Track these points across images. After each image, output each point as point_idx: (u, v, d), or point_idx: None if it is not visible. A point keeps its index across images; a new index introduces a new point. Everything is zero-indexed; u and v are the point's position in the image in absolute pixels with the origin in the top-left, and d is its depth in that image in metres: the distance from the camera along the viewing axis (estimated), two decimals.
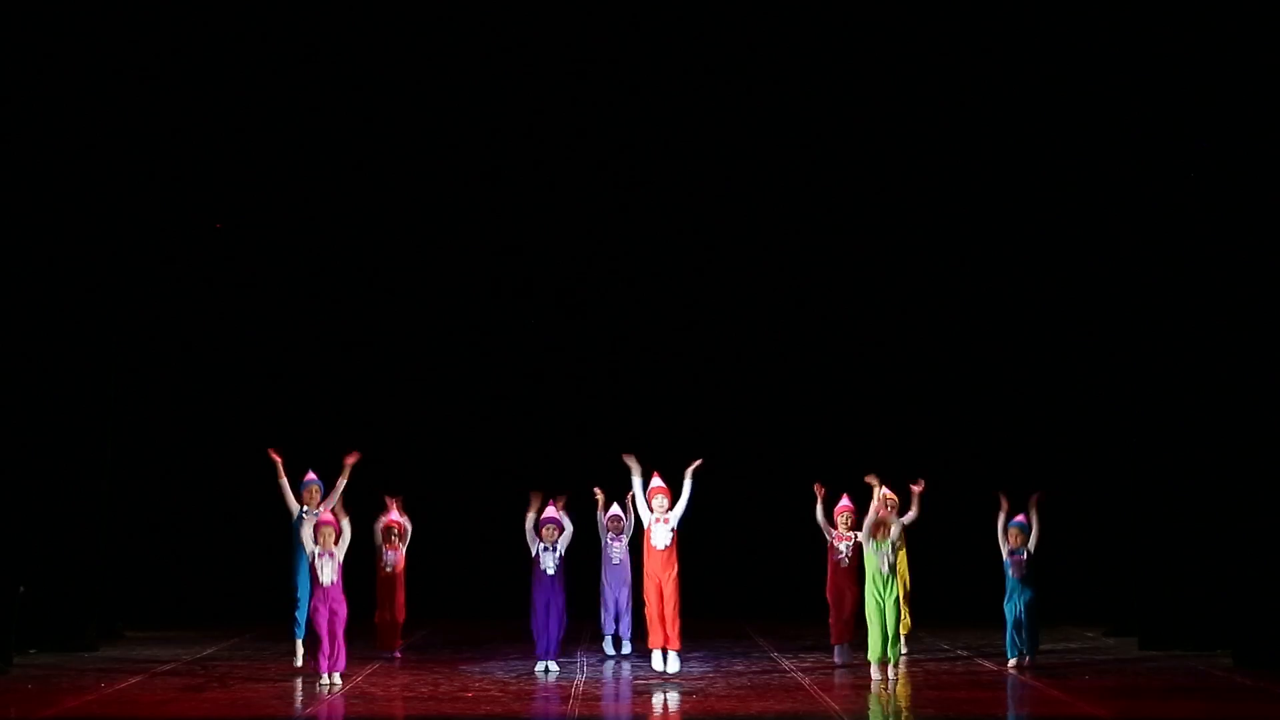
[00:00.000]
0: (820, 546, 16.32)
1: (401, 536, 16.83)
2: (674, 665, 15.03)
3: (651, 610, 15.05)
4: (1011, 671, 15.49)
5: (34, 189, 16.91)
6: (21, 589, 16.19)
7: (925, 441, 20.78)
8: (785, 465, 20.64)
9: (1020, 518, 15.91)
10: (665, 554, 14.95)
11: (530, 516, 15.57)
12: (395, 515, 16.84)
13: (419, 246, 20.76)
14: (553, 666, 15.50)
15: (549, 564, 15.53)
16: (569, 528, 15.64)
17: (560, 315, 21.11)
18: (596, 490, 16.43)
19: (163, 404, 19.97)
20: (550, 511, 15.66)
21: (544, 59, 19.71)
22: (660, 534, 14.98)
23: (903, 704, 13.80)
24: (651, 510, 15.03)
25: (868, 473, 15.49)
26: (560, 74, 19.84)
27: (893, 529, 15.06)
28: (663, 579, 14.93)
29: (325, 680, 14.53)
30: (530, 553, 15.62)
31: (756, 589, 20.10)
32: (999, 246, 20.37)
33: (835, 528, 15.98)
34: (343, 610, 14.66)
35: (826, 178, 20.48)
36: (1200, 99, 16.61)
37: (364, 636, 16.72)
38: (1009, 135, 19.50)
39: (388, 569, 16.74)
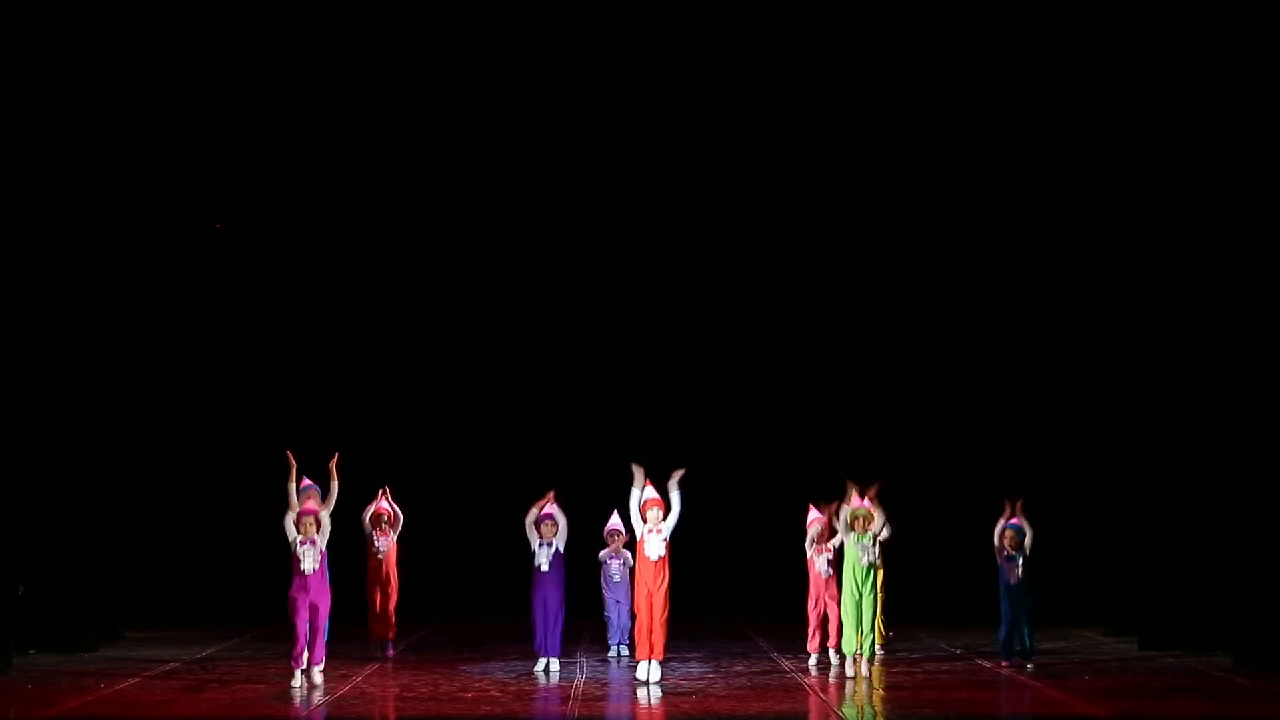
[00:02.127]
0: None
1: (392, 524, 16.81)
2: (654, 674, 14.82)
3: (641, 620, 14.94)
4: (1005, 670, 15.52)
5: (34, 190, 16.90)
6: (21, 589, 16.18)
7: (925, 442, 20.80)
8: (785, 467, 20.66)
9: (1015, 520, 15.93)
10: (657, 565, 14.82)
11: (533, 513, 15.63)
12: (384, 503, 16.83)
13: (417, 246, 20.77)
14: (553, 664, 15.53)
15: (543, 560, 15.58)
16: (562, 522, 15.70)
17: (560, 317, 21.11)
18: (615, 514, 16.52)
19: (162, 404, 19.97)
20: (548, 508, 15.73)
21: (543, 67, 19.74)
22: (653, 545, 14.84)
23: (879, 694, 13.88)
24: (646, 521, 14.93)
25: (866, 476, 15.52)
26: (557, 83, 19.86)
27: (875, 520, 15.07)
28: (653, 589, 14.82)
29: (298, 679, 14.44)
30: (531, 549, 15.70)
31: (756, 589, 20.08)
32: (997, 247, 20.38)
33: (816, 542, 15.99)
34: (325, 603, 14.63)
35: (817, 184, 20.52)
36: (1200, 99, 16.61)
37: (358, 638, 16.73)
38: (1006, 136, 19.50)
39: (379, 555, 16.72)
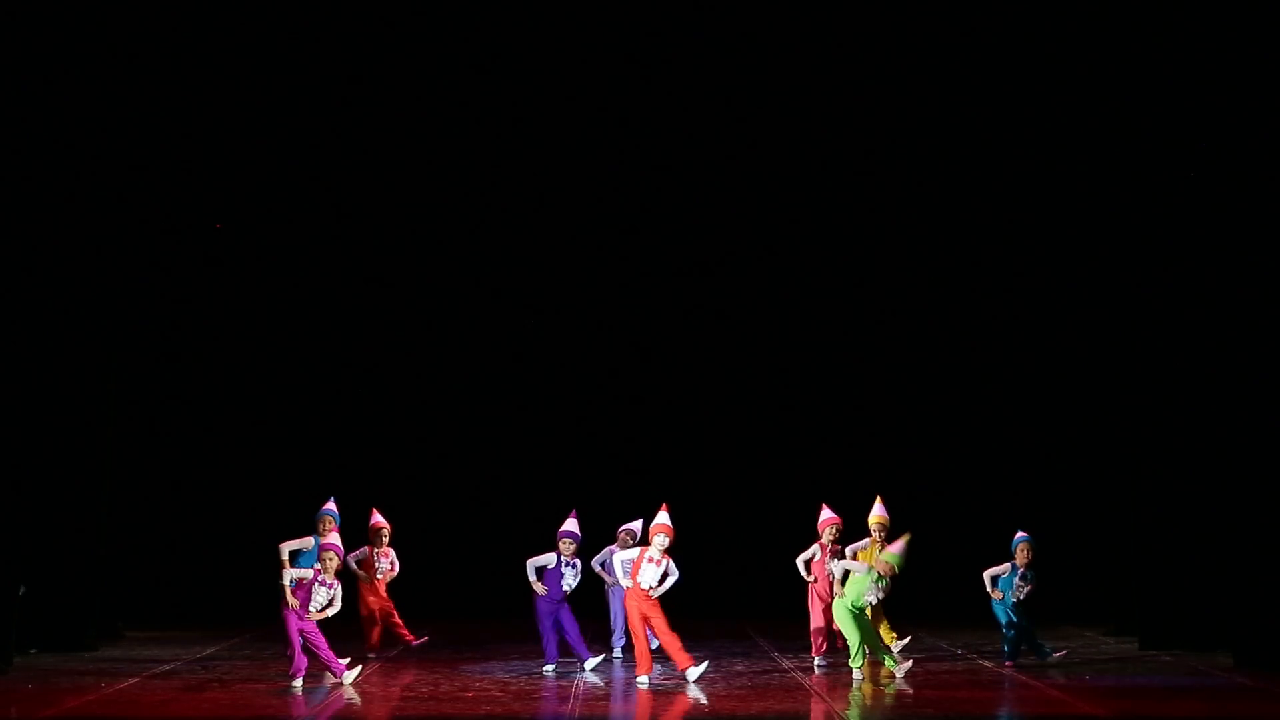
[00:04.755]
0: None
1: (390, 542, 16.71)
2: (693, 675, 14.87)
3: (640, 643, 14.87)
4: (1008, 669, 15.53)
5: (34, 190, 16.90)
6: (22, 589, 16.19)
7: (926, 443, 20.80)
8: (786, 467, 20.67)
9: (1026, 534, 15.97)
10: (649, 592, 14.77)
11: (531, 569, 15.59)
12: (379, 518, 16.74)
13: (417, 250, 20.76)
14: (557, 669, 15.52)
15: (570, 580, 15.53)
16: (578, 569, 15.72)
17: (562, 317, 21.10)
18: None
19: (163, 404, 19.97)
20: (570, 525, 15.68)
21: (544, 76, 19.80)
22: (647, 574, 14.77)
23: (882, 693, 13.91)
24: (650, 544, 14.86)
25: (868, 482, 15.48)
26: (557, 84, 19.91)
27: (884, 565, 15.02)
28: (649, 613, 14.71)
29: (299, 685, 14.51)
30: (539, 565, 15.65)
31: (756, 589, 20.07)
32: (996, 249, 20.38)
33: (819, 539, 15.97)
34: (311, 625, 14.64)
35: (830, 189, 20.54)
36: (1199, 99, 16.61)
37: (358, 637, 16.71)
38: (1006, 140, 19.51)
39: (379, 575, 16.66)
